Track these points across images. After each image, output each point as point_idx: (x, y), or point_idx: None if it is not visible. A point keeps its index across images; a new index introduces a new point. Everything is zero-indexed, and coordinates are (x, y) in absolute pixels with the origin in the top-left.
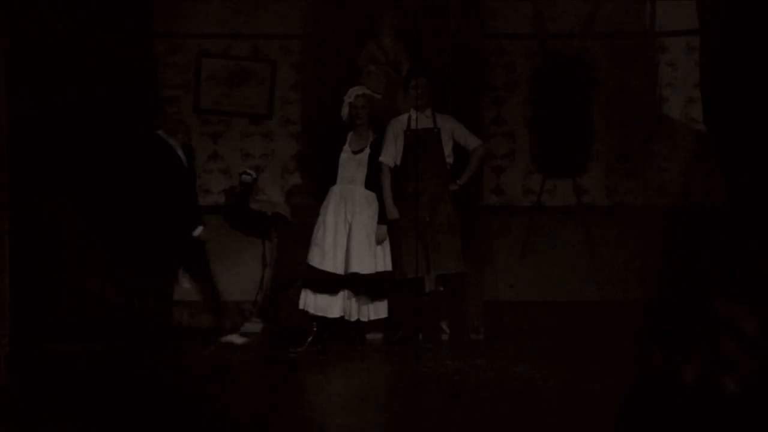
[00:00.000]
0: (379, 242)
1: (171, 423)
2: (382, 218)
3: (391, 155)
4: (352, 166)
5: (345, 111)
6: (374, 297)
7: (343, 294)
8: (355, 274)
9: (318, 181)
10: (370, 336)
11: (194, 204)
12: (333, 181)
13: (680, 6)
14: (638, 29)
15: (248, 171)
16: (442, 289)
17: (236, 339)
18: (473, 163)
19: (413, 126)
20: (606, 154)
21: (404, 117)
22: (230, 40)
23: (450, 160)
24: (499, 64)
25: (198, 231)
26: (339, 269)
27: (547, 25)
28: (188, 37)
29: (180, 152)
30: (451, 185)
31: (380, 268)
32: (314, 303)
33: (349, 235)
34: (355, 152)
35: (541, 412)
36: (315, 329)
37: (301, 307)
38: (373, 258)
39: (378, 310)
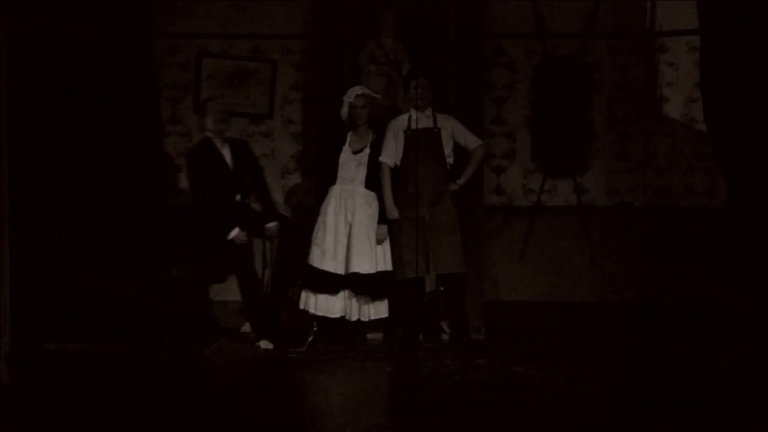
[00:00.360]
0: (379, 242)
1: (169, 422)
2: (382, 218)
3: (391, 155)
4: (351, 166)
5: (345, 111)
6: (375, 297)
7: (343, 294)
8: (356, 273)
9: (318, 181)
10: (370, 336)
11: (232, 205)
12: (333, 181)
13: (680, 6)
14: (638, 29)
15: None
16: (442, 289)
17: (264, 344)
18: (473, 163)
19: (413, 126)
20: (606, 154)
21: (404, 117)
22: (231, 39)
23: (450, 160)
24: (499, 63)
25: (233, 234)
26: (339, 269)
27: (547, 25)
28: (189, 37)
29: (226, 152)
30: (452, 185)
31: (380, 268)
32: (315, 303)
33: (350, 235)
34: (354, 152)
35: (541, 412)
36: (315, 329)
37: (301, 307)
38: (373, 258)
39: (378, 310)
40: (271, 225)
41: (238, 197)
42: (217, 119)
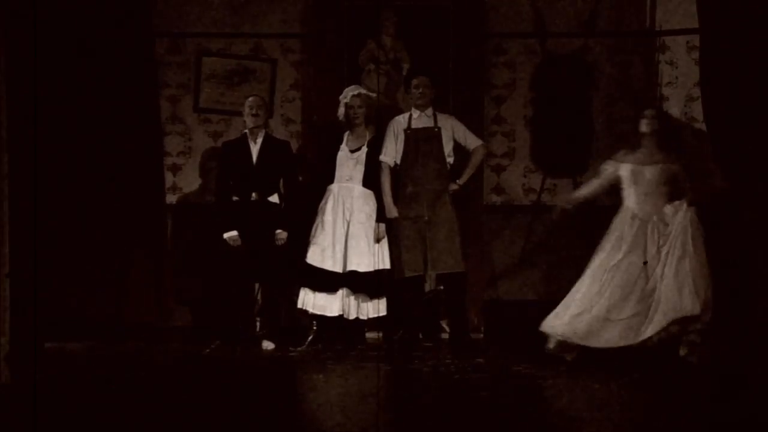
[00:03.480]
0: (377, 240)
1: (169, 422)
2: (381, 217)
3: (391, 154)
4: (349, 164)
5: (341, 111)
6: (373, 295)
7: (341, 292)
8: (354, 272)
9: (317, 180)
10: (369, 335)
11: (242, 204)
12: (331, 180)
13: (680, 5)
14: (638, 28)
15: None
16: (441, 288)
17: (266, 344)
18: (473, 163)
19: (414, 125)
20: (606, 153)
21: (405, 116)
22: (230, 39)
23: (450, 159)
24: (499, 63)
25: (227, 235)
26: (337, 267)
27: (547, 24)
28: (189, 36)
29: (255, 149)
30: (452, 185)
31: (378, 267)
32: (313, 302)
33: (347, 233)
34: (352, 151)
35: (541, 412)
36: (315, 328)
37: (300, 306)
38: (371, 256)
39: (377, 308)
40: (281, 233)
41: (254, 196)
42: (249, 115)
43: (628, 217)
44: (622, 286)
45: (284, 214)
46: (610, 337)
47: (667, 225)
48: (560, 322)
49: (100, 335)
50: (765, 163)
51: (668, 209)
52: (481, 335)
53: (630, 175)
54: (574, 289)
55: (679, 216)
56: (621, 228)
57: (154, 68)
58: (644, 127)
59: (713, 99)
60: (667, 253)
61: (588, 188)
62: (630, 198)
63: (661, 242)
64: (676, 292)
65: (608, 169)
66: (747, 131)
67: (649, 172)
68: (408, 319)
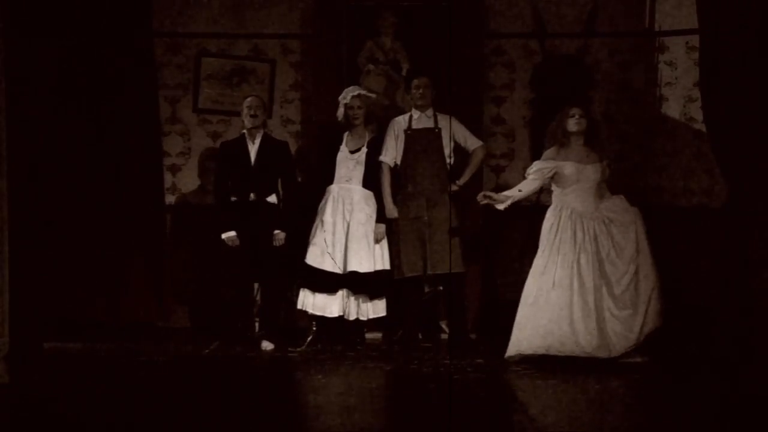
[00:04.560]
0: (377, 241)
1: (168, 422)
2: (381, 217)
3: (391, 155)
4: (349, 165)
5: (341, 112)
6: (373, 296)
7: (341, 293)
8: (354, 272)
9: (317, 180)
10: (369, 335)
11: (240, 204)
12: (330, 181)
13: (680, 5)
14: (638, 29)
15: None
16: (441, 288)
17: (266, 345)
18: (473, 164)
19: (414, 126)
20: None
21: (405, 117)
22: (230, 39)
23: (450, 160)
24: (499, 63)
25: (225, 235)
26: (337, 268)
27: (546, 25)
28: (188, 37)
29: (254, 149)
30: (451, 185)
31: (378, 267)
32: (312, 302)
33: (347, 234)
34: (351, 152)
35: (540, 412)
36: (314, 329)
37: (299, 306)
38: (371, 256)
39: (377, 309)
40: (280, 234)
41: (252, 196)
42: (248, 115)
43: (571, 215)
44: (586, 284)
45: (282, 214)
46: (586, 344)
47: (612, 221)
48: (535, 336)
49: (99, 335)
50: (765, 163)
51: (606, 205)
52: (481, 335)
53: (575, 173)
54: (529, 297)
55: (631, 214)
56: (568, 226)
57: (154, 68)
58: (572, 126)
59: (712, 99)
60: (636, 255)
61: (527, 187)
62: (569, 196)
63: (615, 239)
64: (660, 299)
65: (547, 168)
66: (747, 131)
67: (591, 171)
68: (408, 319)
